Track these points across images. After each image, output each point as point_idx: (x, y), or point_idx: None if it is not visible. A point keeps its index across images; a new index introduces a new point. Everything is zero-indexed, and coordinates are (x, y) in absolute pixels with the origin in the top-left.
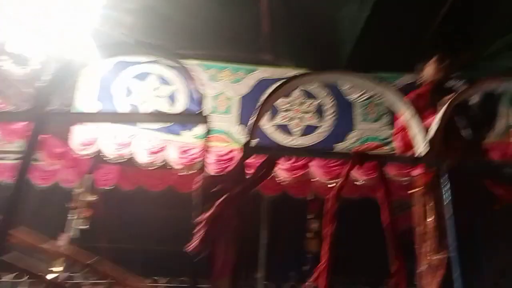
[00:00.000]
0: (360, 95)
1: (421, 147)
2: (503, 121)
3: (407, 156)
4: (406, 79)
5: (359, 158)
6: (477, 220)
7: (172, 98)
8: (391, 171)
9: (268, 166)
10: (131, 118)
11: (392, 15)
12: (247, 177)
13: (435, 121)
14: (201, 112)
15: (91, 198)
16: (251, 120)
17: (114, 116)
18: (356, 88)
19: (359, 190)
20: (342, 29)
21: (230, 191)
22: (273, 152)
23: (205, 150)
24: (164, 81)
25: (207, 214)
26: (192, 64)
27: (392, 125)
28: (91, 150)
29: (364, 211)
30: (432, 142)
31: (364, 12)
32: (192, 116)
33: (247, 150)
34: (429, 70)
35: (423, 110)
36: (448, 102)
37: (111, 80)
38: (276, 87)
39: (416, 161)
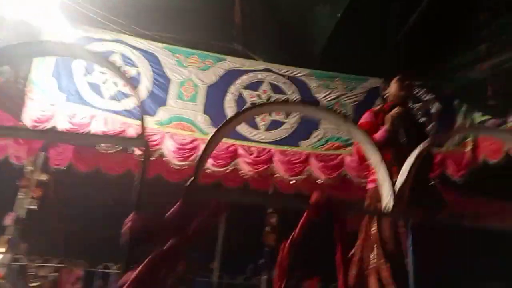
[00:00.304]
0: (326, 95)
1: (387, 198)
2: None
3: (371, 209)
4: (374, 82)
5: (317, 209)
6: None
7: (135, 80)
8: (352, 172)
9: (215, 214)
10: (65, 136)
11: (363, 18)
12: (190, 222)
13: (403, 170)
14: (142, 135)
15: (43, 177)
16: (198, 156)
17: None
18: (323, 88)
19: (319, 188)
20: (314, 28)
21: (165, 240)
22: (223, 195)
23: (143, 175)
24: (128, 62)
25: (133, 274)
26: (158, 47)
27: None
28: (45, 126)
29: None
30: (399, 195)
31: (337, 12)
32: (132, 140)
33: (191, 192)
34: (392, 89)
35: (378, 128)
36: (416, 153)
37: None
38: (229, 119)
39: (381, 214)
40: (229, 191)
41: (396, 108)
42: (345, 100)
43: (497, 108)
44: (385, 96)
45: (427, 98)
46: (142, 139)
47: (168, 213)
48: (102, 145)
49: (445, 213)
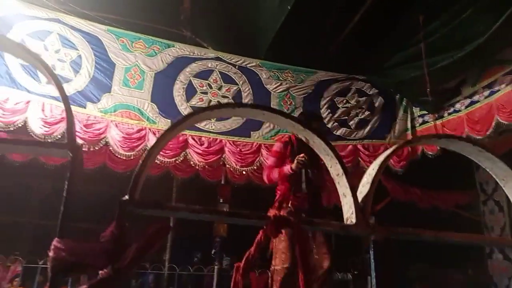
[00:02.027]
0: (277, 86)
1: (349, 212)
2: (401, 125)
3: (334, 223)
4: (321, 75)
5: (276, 225)
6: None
7: (75, 64)
8: None
9: (158, 236)
10: None
11: (312, 11)
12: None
13: (364, 182)
14: (72, 142)
15: None
16: (137, 169)
17: None
18: (273, 79)
19: None
20: (264, 18)
21: (97, 271)
22: (169, 212)
23: (68, 190)
24: (67, 44)
25: None
26: (101, 29)
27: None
28: None
29: None
30: (362, 208)
31: (287, 5)
32: (57, 149)
33: (125, 209)
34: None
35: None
36: (379, 164)
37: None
38: (163, 134)
39: (345, 229)
40: (175, 208)
41: (302, 155)
42: (295, 92)
43: (432, 103)
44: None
45: (371, 92)
46: (70, 145)
47: (101, 236)
48: (39, 132)
49: (385, 203)
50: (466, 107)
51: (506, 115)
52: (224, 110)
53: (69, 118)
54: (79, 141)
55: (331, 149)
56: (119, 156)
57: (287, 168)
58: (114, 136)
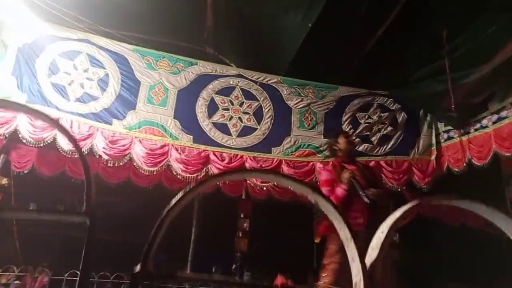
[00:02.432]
0: (298, 102)
1: (357, 278)
2: (425, 141)
3: None
4: (343, 90)
5: None
6: None
7: (103, 82)
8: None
9: None
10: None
11: (333, 28)
12: None
13: (373, 246)
14: (90, 210)
15: (3, 181)
16: (149, 241)
17: None
18: (294, 95)
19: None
20: (285, 36)
21: None
22: (181, 281)
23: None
24: (95, 63)
25: None
26: (127, 48)
27: (324, 134)
28: (6, 129)
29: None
30: (370, 273)
31: (308, 22)
32: (79, 214)
33: (137, 282)
34: (341, 144)
35: (334, 182)
36: (389, 226)
37: (34, 52)
38: (180, 198)
39: None
40: (188, 278)
41: (348, 171)
42: (316, 108)
43: (458, 119)
44: (336, 150)
45: (393, 107)
46: (88, 213)
47: None
48: (67, 148)
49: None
50: (494, 123)
51: None
52: (235, 175)
53: (88, 186)
54: (105, 157)
55: (339, 213)
56: (142, 171)
57: (340, 191)
58: (138, 152)
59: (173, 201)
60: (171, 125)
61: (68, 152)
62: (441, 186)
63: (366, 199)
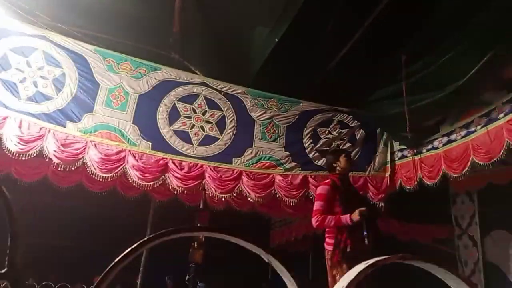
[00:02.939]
0: (261, 114)
1: None
2: (380, 158)
3: None
4: (305, 105)
5: None
6: None
7: (58, 82)
8: (281, 191)
9: None
10: None
11: (299, 45)
12: None
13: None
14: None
15: None
16: None
17: None
18: (257, 107)
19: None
20: (252, 47)
21: None
22: None
23: None
24: (51, 61)
25: None
26: (88, 48)
27: (285, 148)
28: None
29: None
30: None
31: (275, 37)
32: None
33: None
34: (342, 163)
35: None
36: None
37: None
38: (130, 250)
39: None
40: None
41: (364, 209)
42: (278, 121)
43: (411, 139)
44: (335, 167)
45: (353, 124)
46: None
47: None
48: (16, 149)
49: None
50: (444, 145)
51: (481, 156)
52: (181, 234)
53: (14, 238)
54: (56, 160)
55: (292, 277)
56: (96, 177)
57: (345, 219)
58: (92, 157)
59: (117, 259)
60: (129, 130)
61: (15, 153)
62: (393, 203)
63: (366, 241)
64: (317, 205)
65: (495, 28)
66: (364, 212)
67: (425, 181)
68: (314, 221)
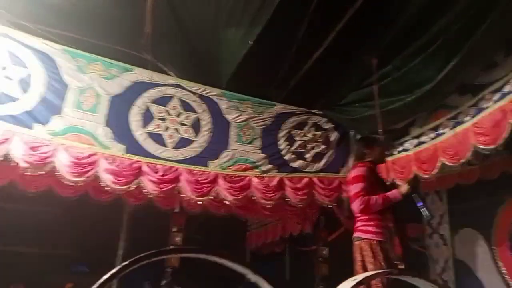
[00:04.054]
0: (237, 116)
1: None
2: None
3: None
4: (280, 108)
5: None
6: None
7: (25, 82)
8: (258, 193)
9: None
10: None
11: (273, 48)
12: None
13: None
14: None
15: None
16: None
17: None
18: (233, 109)
19: (226, 207)
20: (226, 50)
21: None
22: None
23: None
24: (17, 61)
25: None
26: (55, 48)
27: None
28: None
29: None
30: None
31: (249, 39)
32: None
33: None
34: (375, 151)
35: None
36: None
37: None
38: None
39: None
40: None
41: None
42: (254, 123)
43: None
44: (364, 155)
45: (326, 127)
46: None
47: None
48: None
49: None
50: (414, 146)
51: (450, 157)
52: (155, 258)
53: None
54: (23, 164)
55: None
56: (66, 182)
57: (393, 195)
58: (62, 160)
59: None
60: (101, 133)
61: None
62: None
63: (425, 212)
64: (356, 187)
65: (458, 35)
66: (414, 183)
67: (397, 183)
68: (358, 205)
